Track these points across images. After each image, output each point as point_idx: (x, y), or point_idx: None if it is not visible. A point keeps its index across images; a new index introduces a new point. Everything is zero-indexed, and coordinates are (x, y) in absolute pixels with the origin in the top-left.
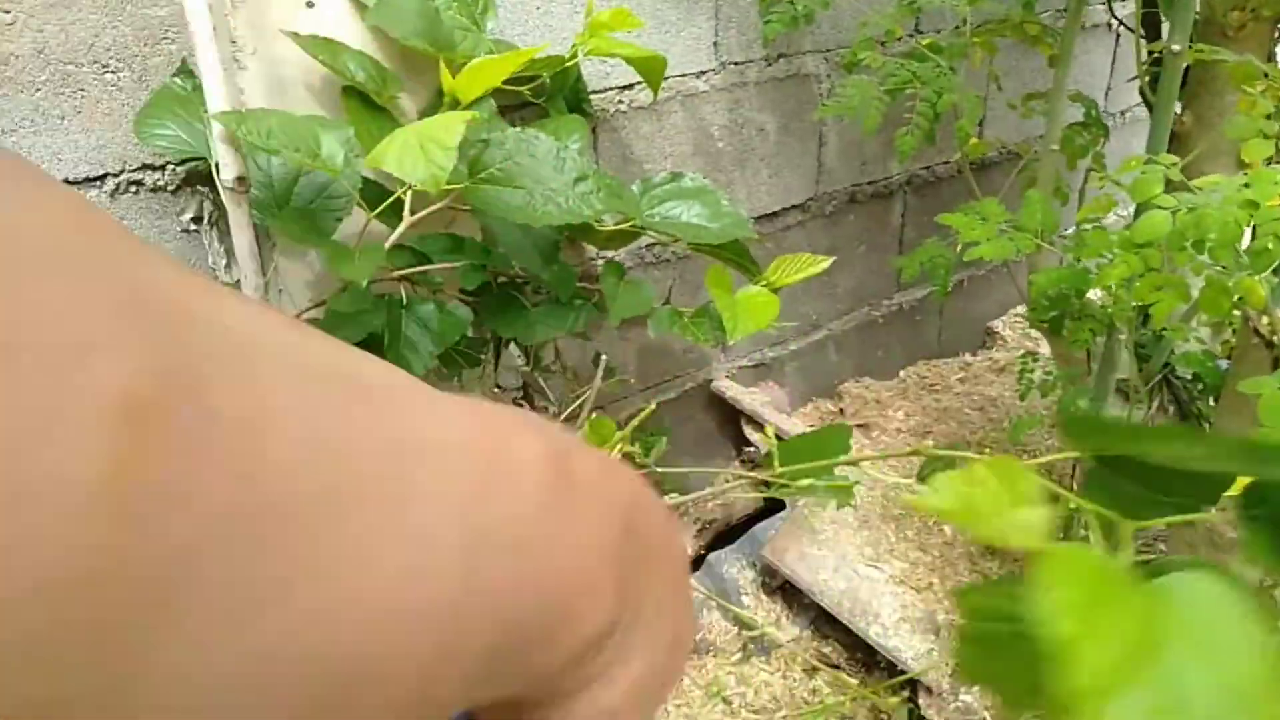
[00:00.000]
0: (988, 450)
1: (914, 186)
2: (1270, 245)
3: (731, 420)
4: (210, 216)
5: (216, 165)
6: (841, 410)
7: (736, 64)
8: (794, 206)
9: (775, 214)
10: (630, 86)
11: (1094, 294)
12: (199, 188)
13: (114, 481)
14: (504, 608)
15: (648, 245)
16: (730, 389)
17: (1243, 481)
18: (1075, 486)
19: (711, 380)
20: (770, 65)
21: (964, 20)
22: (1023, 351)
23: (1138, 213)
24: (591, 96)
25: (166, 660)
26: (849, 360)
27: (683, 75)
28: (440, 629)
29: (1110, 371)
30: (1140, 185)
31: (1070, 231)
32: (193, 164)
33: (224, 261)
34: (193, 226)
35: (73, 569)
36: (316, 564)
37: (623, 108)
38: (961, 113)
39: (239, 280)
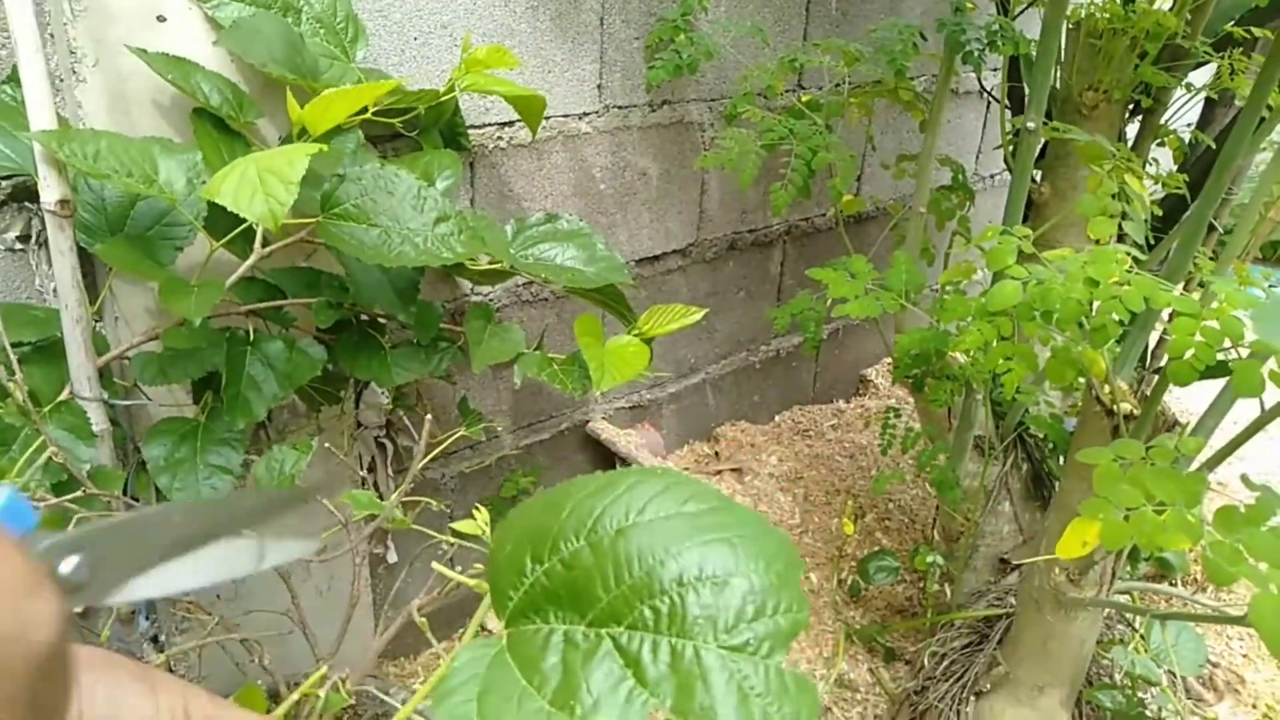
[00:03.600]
0: (857, 498)
1: (793, 236)
2: (1109, 320)
3: (607, 462)
4: (38, 235)
5: (40, 185)
6: (717, 453)
7: (620, 107)
8: (675, 251)
9: (656, 257)
10: (511, 123)
11: (955, 353)
12: (26, 204)
13: None
14: None
15: (525, 284)
16: (606, 431)
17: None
18: (935, 534)
19: (588, 421)
20: (654, 110)
21: (843, 80)
22: (893, 401)
23: (994, 280)
24: (470, 131)
25: None
26: (726, 404)
27: (565, 116)
28: None
29: (968, 429)
30: (994, 255)
31: (937, 288)
32: (20, 179)
33: (52, 285)
34: (18, 245)
35: None
36: None
37: (502, 144)
38: (836, 171)
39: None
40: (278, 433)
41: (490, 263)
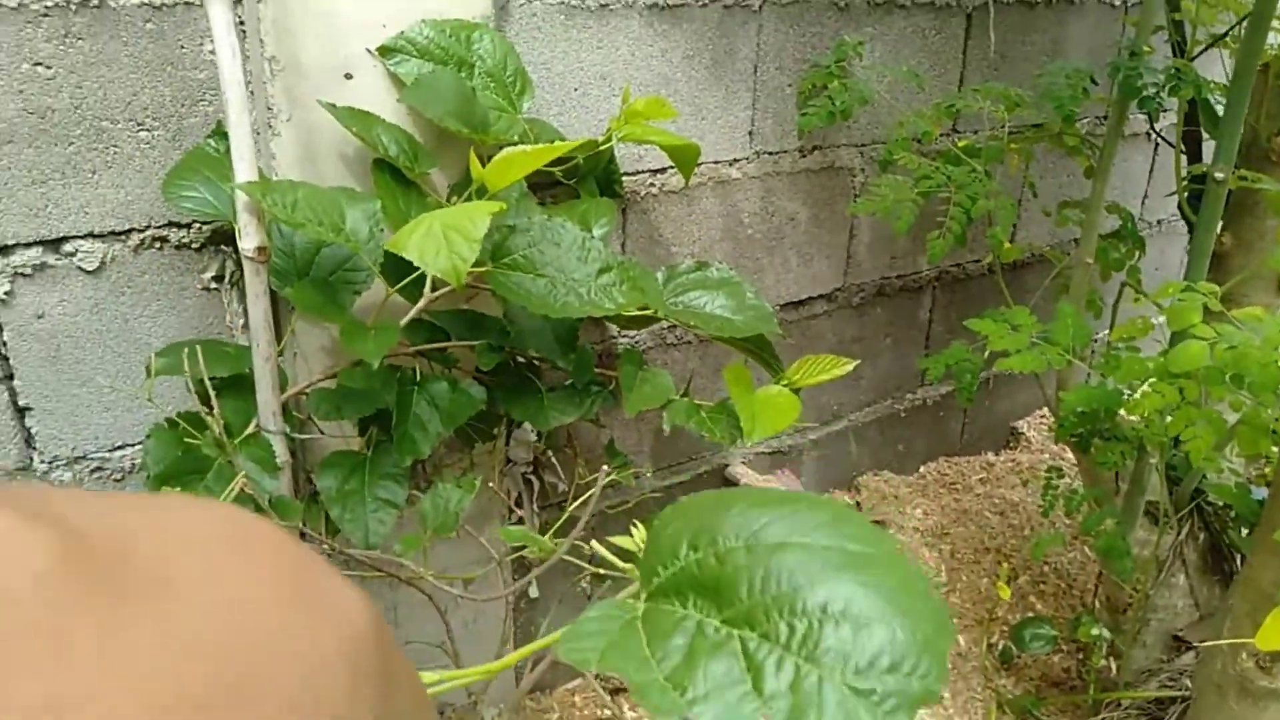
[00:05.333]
0: (1009, 558)
1: (943, 283)
2: None
3: None
4: (231, 276)
5: (239, 231)
6: (859, 504)
7: (771, 153)
8: (821, 296)
9: (802, 302)
10: (663, 170)
11: (1126, 413)
12: (222, 247)
13: None
14: None
15: (670, 327)
16: (745, 475)
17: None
18: (1096, 603)
19: (726, 465)
20: (805, 156)
21: (1001, 125)
22: (1046, 456)
23: (1174, 339)
24: (624, 178)
25: None
26: (868, 452)
27: (716, 162)
28: None
29: (1139, 494)
30: (1178, 313)
31: (1102, 339)
32: (218, 223)
33: (241, 322)
34: (213, 285)
35: None
36: None
37: (654, 190)
38: (996, 219)
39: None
40: (433, 467)
41: (640, 309)
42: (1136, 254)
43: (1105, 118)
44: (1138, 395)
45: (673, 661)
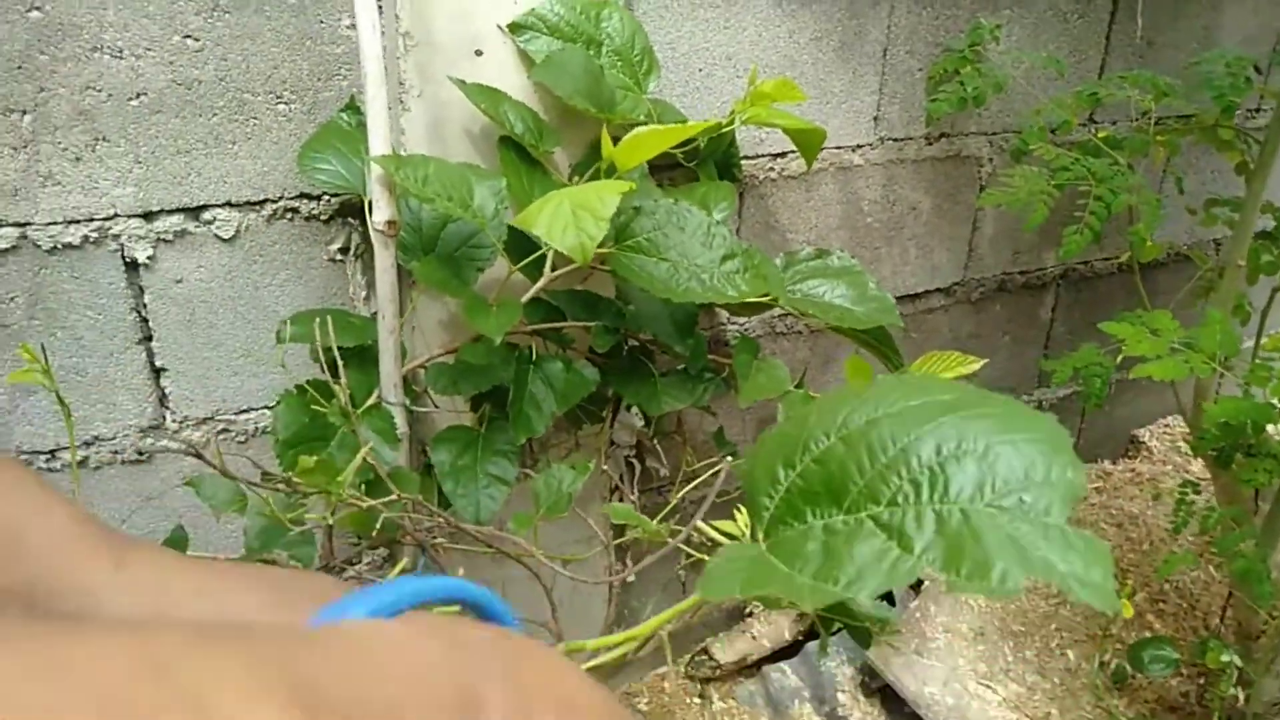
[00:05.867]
0: (1127, 574)
1: (1069, 281)
2: None
3: None
4: (356, 249)
5: (369, 204)
6: None
7: (896, 140)
8: (939, 289)
9: (919, 295)
10: (784, 155)
11: (1272, 428)
12: (349, 219)
13: None
14: None
15: (781, 315)
16: None
17: None
18: (1223, 627)
19: None
20: (931, 144)
21: (1144, 114)
22: (1169, 468)
23: None
24: (743, 162)
25: None
26: None
27: (839, 147)
28: None
29: None
30: None
31: (1248, 350)
32: (346, 196)
33: (363, 293)
34: (339, 256)
35: None
36: None
37: (773, 175)
38: (1138, 216)
39: (375, 314)
40: (540, 446)
41: (759, 296)
42: None
43: (1259, 110)
44: None
45: (814, 566)
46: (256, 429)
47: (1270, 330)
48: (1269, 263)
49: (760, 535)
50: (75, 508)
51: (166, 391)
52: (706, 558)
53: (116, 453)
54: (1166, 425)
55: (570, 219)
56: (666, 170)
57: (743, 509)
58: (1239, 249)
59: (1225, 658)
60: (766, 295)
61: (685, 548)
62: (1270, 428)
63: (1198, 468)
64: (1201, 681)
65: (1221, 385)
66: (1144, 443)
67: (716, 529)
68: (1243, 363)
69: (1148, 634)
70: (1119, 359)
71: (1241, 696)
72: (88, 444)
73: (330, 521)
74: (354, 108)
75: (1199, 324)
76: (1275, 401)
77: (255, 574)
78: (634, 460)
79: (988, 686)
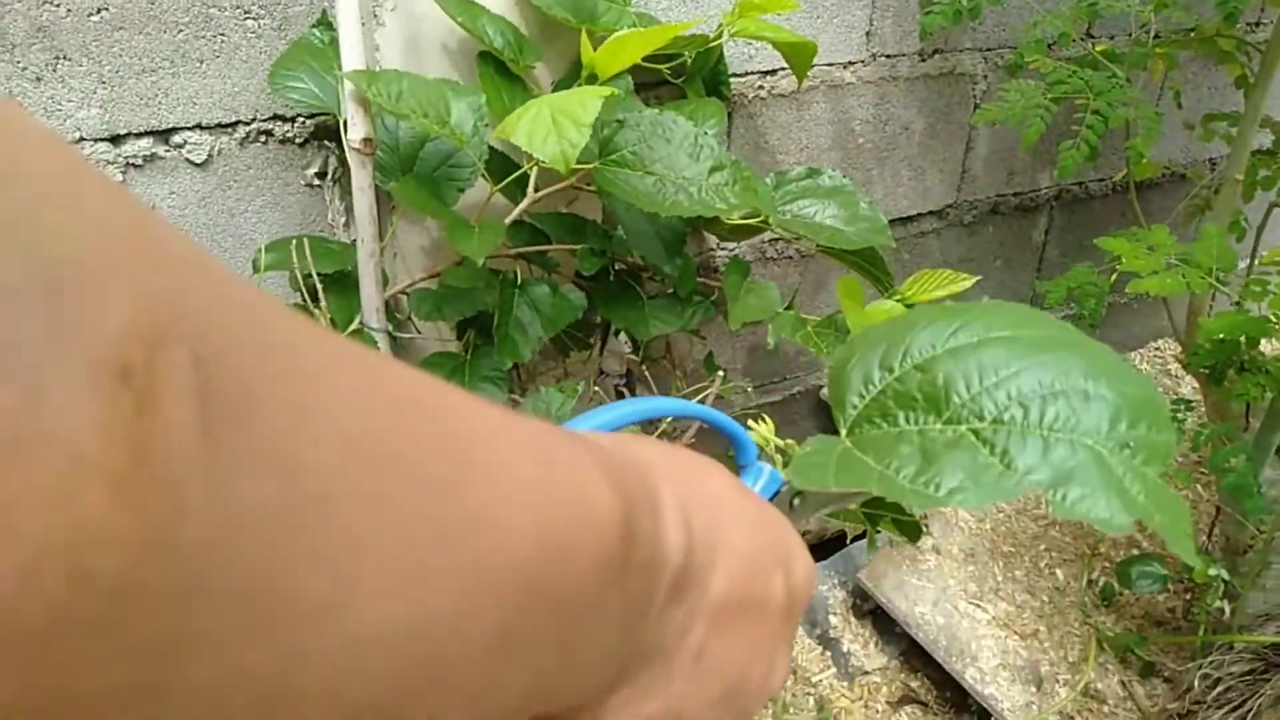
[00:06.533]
0: None
1: (1063, 202)
2: None
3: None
4: (334, 173)
5: (345, 123)
6: None
7: (888, 56)
8: (932, 212)
9: (911, 218)
10: (773, 72)
11: (1266, 344)
12: (325, 142)
13: (109, 449)
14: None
15: (771, 240)
16: None
17: None
18: (1211, 544)
19: (821, 386)
20: (924, 60)
21: (1143, 27)
22: (1161, 390)
23: None
24: (732, 80)
25: (192, 673)
26: None
27: (830, 64)
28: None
29: (1274, 432)
30: None
31: (1242, 269)
32: (321, 118)
33: (343, 220)
34: (316, 181)
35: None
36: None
37: (762, 94)
38: (1136, 130)
39: (355, 240)
40: (529, 374)
41: (744, 217)
42: None
43: (1258, 24)
44: None
45: (910, 467)
46: None
47: (1265, 246)
48: (1267, 179)
49: (844, 431)
50: None
51: None
52: None
53: None
54: (1157, 348)
55: (551, 126)
56: (653, 88)
57: (766, 419)
58: (1237, 164)
59: (1213, 571)
60: (756, 214)
61: None
62: (1263, 343)
63: (1188, 389)
64: (1188, 597)
65: (1214, 305)
66: (1135, 366)
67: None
68: (1238, 279)
69: (1135, 552)
70: (1113, 279)
71: (1227, 610)
72: None
73: None
74: (326, 23)
75: (1195, 240)
76: (1271, 316)
77: None
78: (624, 389)
79: (977, 606)
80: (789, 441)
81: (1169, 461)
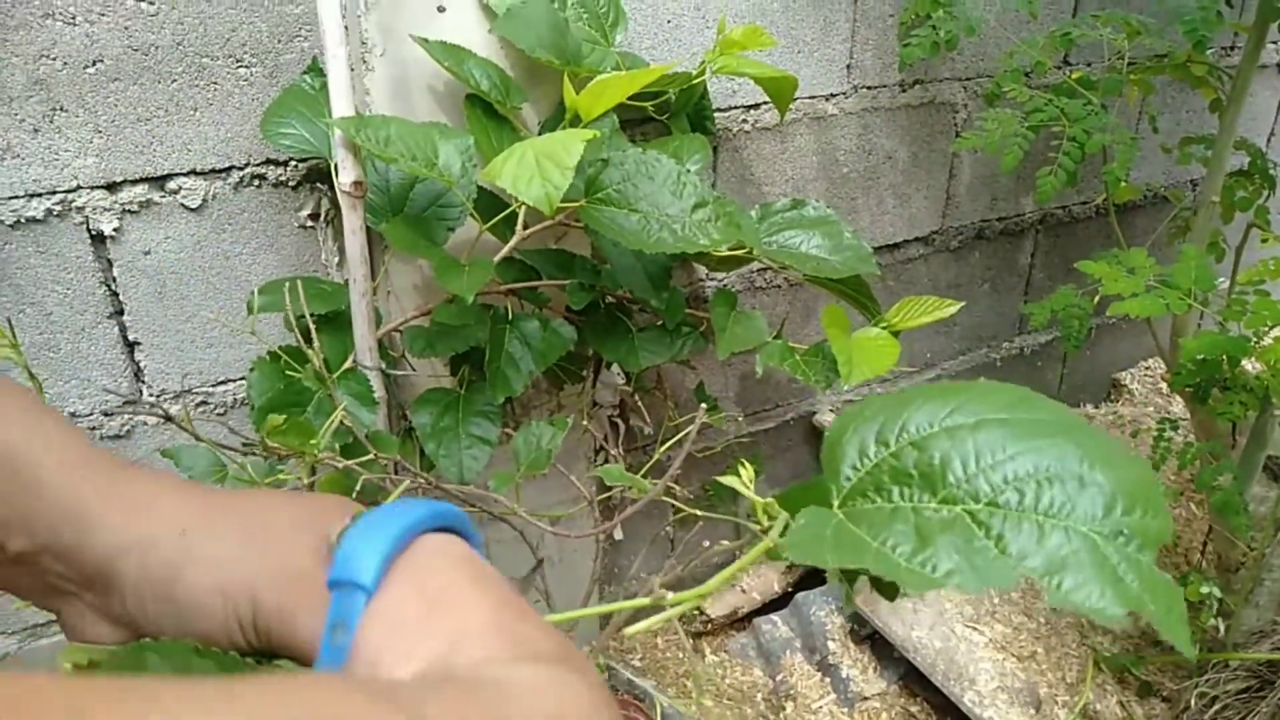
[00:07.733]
0: None
1: (1047, 226)
2: None
3: None
4: (326, 214)
5: (335, 167)
6: None
7: (870, 88)
8: (918, 239)
9: (898, 245)
10: (756, 106)
11: (1249, 363)
12: (318, 185)
13: None
14: None
15: (759, 269)
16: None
17: None
18: (1204, 562)
19: (814, 413)
20: (905, 91)
21: (1119, 55)
22: (1150, 409)
23: None
24: (716, 115)
25: None
26: None
27: (812, 97)
28: None
29: (1259, 448)
30: None
31: (1223, 287)
32: (313, 161)
33: (336, 260)
34: (309, 223)
35: None
36: None
37: (746, 127)
38: (1113, 155)
39: (348, 280)
40: (522, 408)
41: (731, 249)
42: (1265, 193)
43: (1232, 49)
44: (1267, 341)
45: (906, 545)
46: (235, 400)
47: (1245, 266)
48: (1243, 199)
49: (836, 503)
50: (74, 432)
51: (141, 365)
52: (698, 512)
53: (94, 429)
54: (1148, 367)
55: (535, 169)
56: (639, 125)
57: (746, 465)
58: (1213, 185)
59: (1205, 590)
60: (740, 245)
61: (674, 501)
62: (1245, 362)
63: (1179, 408)
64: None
65: (1202, 324)
66: (1125, 386)
67: (719, 485)
68: (1219, 300)
69: None
70: (1096, 300)
71: (1222, 627)
72: None
73: (307, 483)
74: (317, 70)
75: (1177, 261)
76: (1250, 335)
77: (261, 495)
78: (618, 420)
79: (974, 628)
80: (769, 500)
81: (1159, 546)
